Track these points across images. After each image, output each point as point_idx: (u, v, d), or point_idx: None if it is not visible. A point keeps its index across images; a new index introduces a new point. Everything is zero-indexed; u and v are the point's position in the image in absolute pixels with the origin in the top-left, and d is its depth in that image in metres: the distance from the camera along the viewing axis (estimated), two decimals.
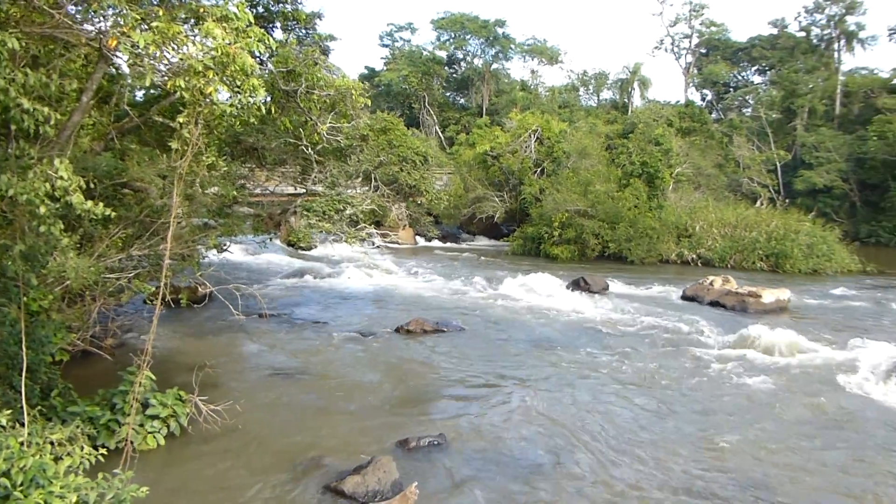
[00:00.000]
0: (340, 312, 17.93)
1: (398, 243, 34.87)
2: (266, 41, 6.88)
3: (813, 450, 9.24)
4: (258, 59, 10.05)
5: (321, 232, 18.40)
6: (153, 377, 8.65)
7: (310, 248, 30.34)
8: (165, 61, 6.46)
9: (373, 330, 15.80)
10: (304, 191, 17.19)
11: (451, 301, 19.90)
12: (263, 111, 7.70)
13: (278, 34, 13.99)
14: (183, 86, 6.20)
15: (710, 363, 13.29)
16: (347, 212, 17.58)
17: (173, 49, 6.23)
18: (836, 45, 52.96)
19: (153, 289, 8.96)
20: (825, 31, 53.84)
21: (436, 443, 9.11)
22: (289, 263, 26.05)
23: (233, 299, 10.68)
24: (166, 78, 6.53)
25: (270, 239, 19.35)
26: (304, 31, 15.60)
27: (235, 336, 14.87)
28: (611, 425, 10.01)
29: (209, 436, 9.05)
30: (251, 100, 6.80)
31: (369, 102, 12.96)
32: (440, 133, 58.60)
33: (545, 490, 7.90)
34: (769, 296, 19.07)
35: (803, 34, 55.99)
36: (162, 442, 8.69)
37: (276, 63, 10.80)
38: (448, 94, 66.54)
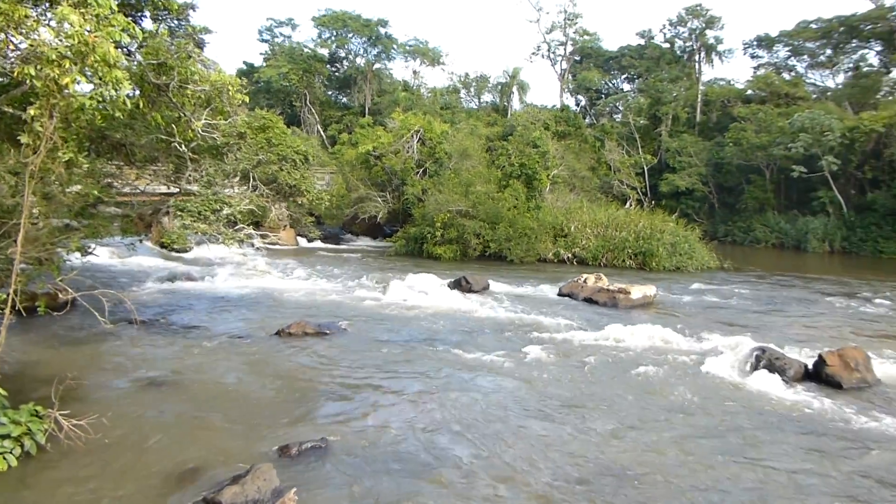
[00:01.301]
0: (218, 317, 17.22)
1: (279, 244, 33.94)
2: (132, 31, 6.47)
3: (676, 435, 9.86)
4: (124, 49, 9.47)
5: (196, 233, 17.60)
6: (4, 393, 7.94)
7: (185, 251, 28.97)
8: (12, 47, 5.90)
9: (253, 334, 15.30)
10: (178, 190, 16.35)
11: (333, 302, 19.62)
12: (129, 105, 7.24)
13: (147, 24, 13.26)
14: (34, 74, 5.69)
15: (583, 356, 13.87)
16: (224, 212, 16.94)
17: (21, 34, 5.70)
18: (697, 57, 57.05)
19: (3, 296, 8.18)
20: (687, 44, 57.89)
21: (318, 447, 8.93)
22: (162, 266, 24.71)
23: (99, 306, 9.96)
24: (14, 65, 5.97)
25: (141, 241, 18.32)
26: (176, 21, 14.90)
27: (102, 345, 13.91)
28: (492, 421, 10.21)
29: (71, 453, 8.40)
30: (115, 93, 6.35)
31: (247, 99, 12.53)
32: (322, 132, 57.74)
33: (430, 489, 7.93)
34: (637, 292, 20.22)
35: (668, 45, 59.93)
36: (14, 463, 7.95)
37: (146, 55, 10.17)
38: (330, 92, 65.69)
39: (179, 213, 15.93)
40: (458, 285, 21.69)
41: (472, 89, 65.87)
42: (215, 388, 11.63)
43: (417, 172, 35.49)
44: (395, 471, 8.37)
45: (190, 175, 15.24)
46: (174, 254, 28.11)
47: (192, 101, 10.75)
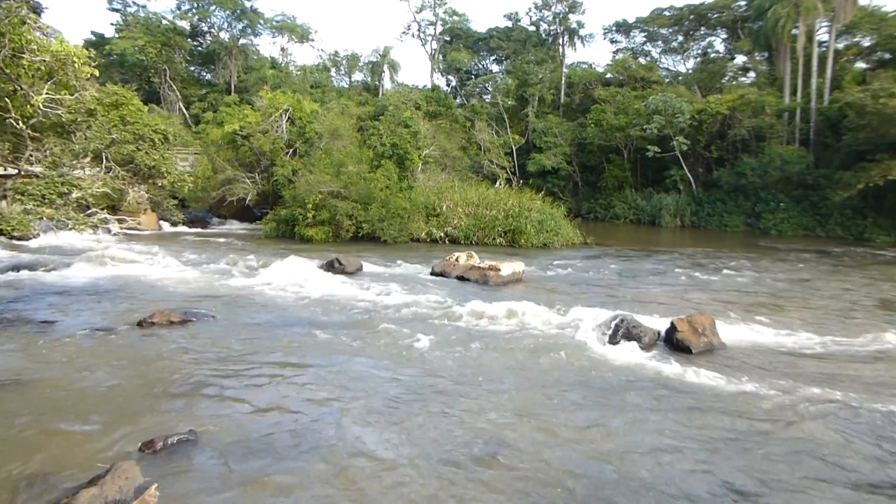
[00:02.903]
0: (72, 309, 15.96)
1: (139, 229, 31.95)
2: None
3: (539, 405, 10.32)
4: None
5: (42, 219, 16.21)
6: None
7: (28, 238, 26.58)
8: None
9: (111, 326, 14.33)
10: (17, 171, 14.96)
11: (200, 289, 18.78)
12: None
13: None
14: None
15: (455, 335, 14.15)
16: (74, 195, 15.69)
17: None
18: (560, 41, 59.27)
19: None
20: (552, 27, 60.04)
21: (186, 440, 8.54)
22: (1, 256, 22.57)
23: None
24: None
25: None
26: None
27: None
28: (366, 404, 10.20)
29: None
30: None
31: (97, 73, 11.69)
32: (184, 110, 54.80)
33: (301, 474, 7.81)
34: (507, 269, 20.87)
35: (534, 28, 61.86)
36: None
37: None
38: (193, 68, 62.38)
39: (20, 196, 14.55)
40: (330, 267, 21.42)
41: (342, 68, 64.97)
42: (70, 386, 10.80)
43: (287, 153, 34.55)
44: (268, 459, 8.18)
45: (31, 155, 13.98)
46: (15, 242, 25.74)
47: (29, 73, 9.86)
